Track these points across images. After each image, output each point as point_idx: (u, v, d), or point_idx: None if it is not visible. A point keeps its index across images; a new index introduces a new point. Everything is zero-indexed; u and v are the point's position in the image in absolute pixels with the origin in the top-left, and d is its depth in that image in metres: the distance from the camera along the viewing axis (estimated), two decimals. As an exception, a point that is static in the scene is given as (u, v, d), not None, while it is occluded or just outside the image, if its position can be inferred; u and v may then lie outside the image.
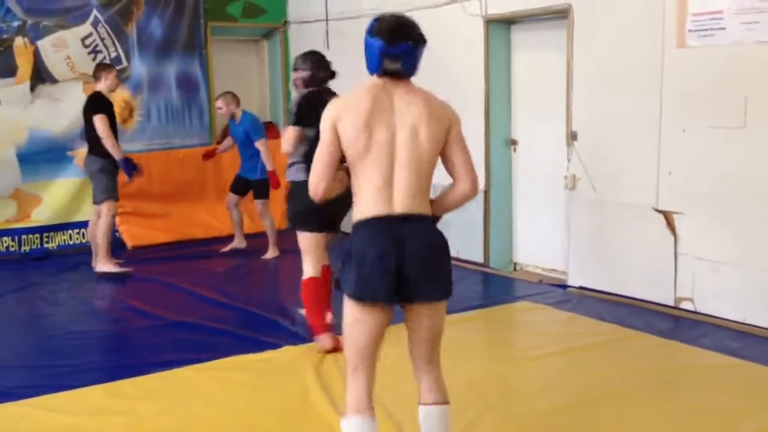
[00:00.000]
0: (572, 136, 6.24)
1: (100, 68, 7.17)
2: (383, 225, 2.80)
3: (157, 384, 4.44)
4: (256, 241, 7.99)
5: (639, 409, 3.93)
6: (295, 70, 5.07)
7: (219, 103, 7.70)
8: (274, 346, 4.96)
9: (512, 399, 4.17)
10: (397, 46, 2.92)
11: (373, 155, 2.83)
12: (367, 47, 3.00)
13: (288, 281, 6.72)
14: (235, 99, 7.70)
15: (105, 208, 7.04)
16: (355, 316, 2.85)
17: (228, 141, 7.98)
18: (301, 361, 4.68)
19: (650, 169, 5.69)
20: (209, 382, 4.45)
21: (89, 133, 7.03)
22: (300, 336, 5.18)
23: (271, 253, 7.74)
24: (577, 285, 6.34)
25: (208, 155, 8.12)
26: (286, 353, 4.88)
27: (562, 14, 6.26)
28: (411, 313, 2.91)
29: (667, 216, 5.63)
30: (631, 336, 5.10)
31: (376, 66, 2.96)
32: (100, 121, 6.86)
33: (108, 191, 7.03)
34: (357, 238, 2.83)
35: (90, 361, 4.95)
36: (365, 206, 2.84)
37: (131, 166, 7.13)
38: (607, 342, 5.00)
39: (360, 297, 2.80)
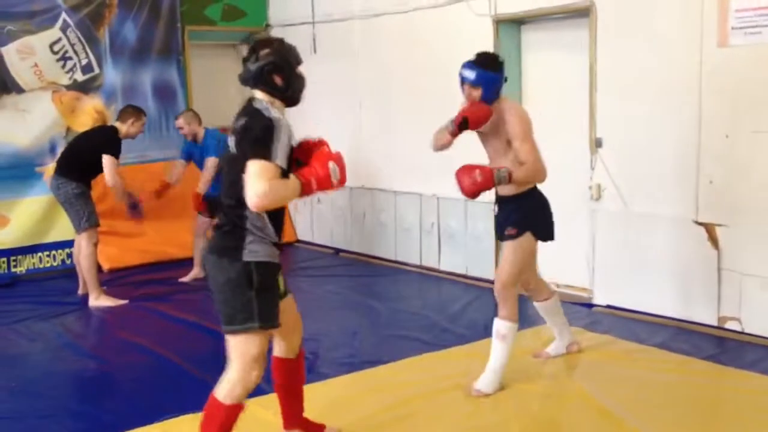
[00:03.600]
0: (597, 143, 5.79)
1: (131, 112, 6.58)
2: None
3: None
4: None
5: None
6: None
7: (180, 123, 7.04)
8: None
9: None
10: None
11: None
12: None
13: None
14: (197, 117, 7.07)
15: (86, 237, 6.41)
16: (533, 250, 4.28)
17: (178, 167, 7.27)
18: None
19: (689, 177, 5.26)
20: None
21: (71, 157, 6.42)
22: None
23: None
24: (604, 304, 5.88)
25: (162, 191, 7.26)
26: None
27: (582, 13, 5.81)
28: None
29: (709, 228, 5.20)
30: (685, 363, 4.64)
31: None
32: (111, 164, 6.26)
33: (88, 217, 6.41)
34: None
35: (73, 411, 4.33)
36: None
37: (138, 210, 6.73)
38: (668, 371, 4.53)
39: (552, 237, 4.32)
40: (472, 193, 3.99)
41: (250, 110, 3.12)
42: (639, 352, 4.85)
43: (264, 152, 2.93)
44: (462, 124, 4.12)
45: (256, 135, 2.97)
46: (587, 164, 5.88)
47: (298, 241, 8.96)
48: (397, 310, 6.10)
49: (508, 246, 4.24)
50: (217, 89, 8.78)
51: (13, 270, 7.53)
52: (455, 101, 6.77)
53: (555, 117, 6.36)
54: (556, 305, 4.72)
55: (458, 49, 6.67)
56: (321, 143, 3.27)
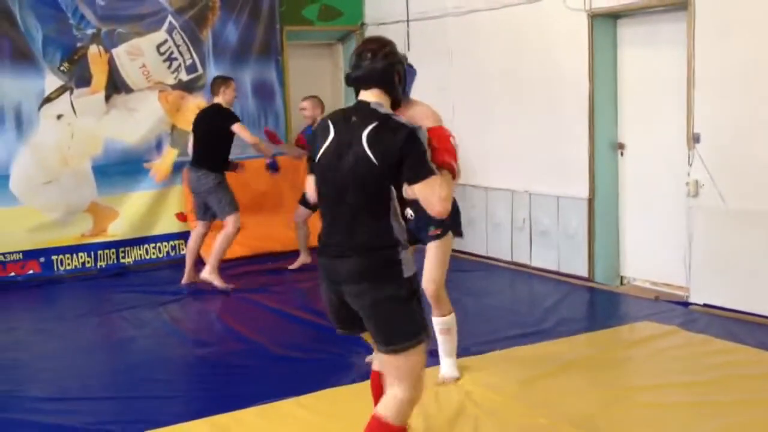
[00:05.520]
0: (694, 139, 5.68)
1: (219, 81, 6.95)
2: None
3: (257, 419, 4.02)
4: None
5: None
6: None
7: (305, 104, 7.37)
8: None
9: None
10: None
11: None
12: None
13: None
14: (321, 104, 7.36)
15: (232, 221, 6.79)
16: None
17: (296, 150, 7.56)
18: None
19: (791, 173, 5.11)
20: (314, 415, 4.02)
21: (204, 148, 6.79)
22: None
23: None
24: (701, 302, 5.76)
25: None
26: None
27: (680, 6, 5.71)
28: None
29: (812, 226, 5.05)
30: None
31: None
32: (242, 129, 6.74)
33: (233, 203, 6.81)
34: None
35: (185, 392, 4.59)
36: None
37: (276, 166, 7.60)
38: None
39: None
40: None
41: (378, 115, 2.91)
42: (735, 352, 4.75)
43: (430, 168, 2.85)
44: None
45: (414, 154, 2.83)
46: (685, 160, 5.78)
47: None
48: (487, 305, 6.14)
49: (433, 247, 4.25)
50: (315, 88, 8.97)
51: (121, 261, 7.92)
52: (551, 97, 6.81)
53: (651, 113, 6.29)
54: None
55: (553, 45, 6.72)
56: (433, 131, 3.06)
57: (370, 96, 3.00)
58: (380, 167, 2.85)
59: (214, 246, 6.86)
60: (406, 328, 2.90)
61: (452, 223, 4.26)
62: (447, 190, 2.87)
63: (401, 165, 2.84)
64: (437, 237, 4.23)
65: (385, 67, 2.99)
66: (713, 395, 4.11)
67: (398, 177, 2.87)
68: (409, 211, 4.12)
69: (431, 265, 4.26)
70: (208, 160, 6.75)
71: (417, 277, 3.00)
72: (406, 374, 2.92)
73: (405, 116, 3.27)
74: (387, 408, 2.94)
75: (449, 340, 4.40)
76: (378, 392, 3.28)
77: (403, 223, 3.00)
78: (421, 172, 2.83)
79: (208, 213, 6.94)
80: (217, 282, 6.79)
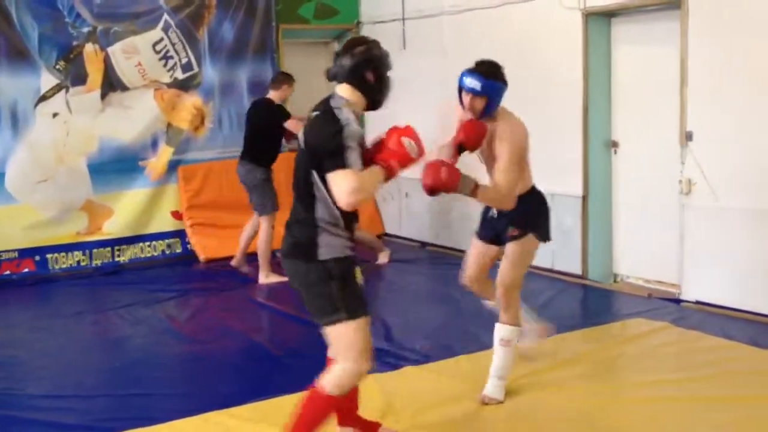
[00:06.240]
0: (687, 137, 5.71)
1: (283, 78, 7.11)
2: None
3: (254, 414, 4.05)
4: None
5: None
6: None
7: None
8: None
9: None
10: None
11: None
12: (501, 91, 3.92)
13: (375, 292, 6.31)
14: None
15: (267, 219, 6.87)
16: (534, 252, 4.09)
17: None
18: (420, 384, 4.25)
19: (783, 172, 5.15)
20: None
21: (256, 141, 6.91)
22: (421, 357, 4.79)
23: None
24: (693, 299, 5.80)
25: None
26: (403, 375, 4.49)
27: (674, 5, 5.75)
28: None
29: (804, 224, 5.09)
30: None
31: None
32: (293, 123, 6.80)
33: (273, 202, 6.88)
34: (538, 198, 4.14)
35: (180, 389, 4.60)
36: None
37: None
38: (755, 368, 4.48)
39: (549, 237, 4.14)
40: (429, 188, 3.56)
41: (324, 107, 3.13)
42: (727, 349, 4.79)
43: (341, 162, 2.96)
44: (460, 148, 3.89)
45: (329, 147, 2.99)
46: (677, 158, 5.82)
47: (386, 234, 9.11)
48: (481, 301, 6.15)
49: (510, 247, 4.03)
50: (310, 86, 8.98)
51: (117, 259, 7.94)
52: (546, 95, 6.83)
53: (645, 111, 6.32)
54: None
55: (547, 43, 6.75)
56: (391, 130, 3.21)
57: (340, 90, 3.22)
58: (307, 154, 3.11)
59: (258, 251, 6.92)
60: (322, 308, 3.14)
61: (532, 225, 4.03)
62: (355, 184, 2.94)
63: (322, 154, 3.03)
64: (515, 238, 4.00)
65: (353, 64, 3.17)
66: (706, 391, 4.14)
67: (320, 165, 3.04)
68: (493, 211, 4.12)
69: (503, 266, 4.05)
70: (257, 155, 6.88)
71: (344, 261, 3.11)
72: (341, 348, 3.15)
73: (492, 127, 3.85)
74: (325, 378, 3.19)
75: (503, 355, 4.08)
76: None
77: (335, 210, 3.10)
78: (331, 164, 2.99)
79: None
80: (278, 279, 6.78)
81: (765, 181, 5.26)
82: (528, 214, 4.03)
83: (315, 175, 3.09)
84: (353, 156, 2.99)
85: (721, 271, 5.61)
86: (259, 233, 6.98)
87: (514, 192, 3.81)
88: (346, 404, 3.50)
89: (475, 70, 3.92)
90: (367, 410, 3.75)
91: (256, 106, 7.13)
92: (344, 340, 3.13)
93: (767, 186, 5.25)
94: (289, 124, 6.84)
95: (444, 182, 3.53)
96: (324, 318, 3.15)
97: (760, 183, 5.30)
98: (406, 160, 3.14)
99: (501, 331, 4.10)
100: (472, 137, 3.84)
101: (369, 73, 3.19)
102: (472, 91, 3.87)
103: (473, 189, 3.61)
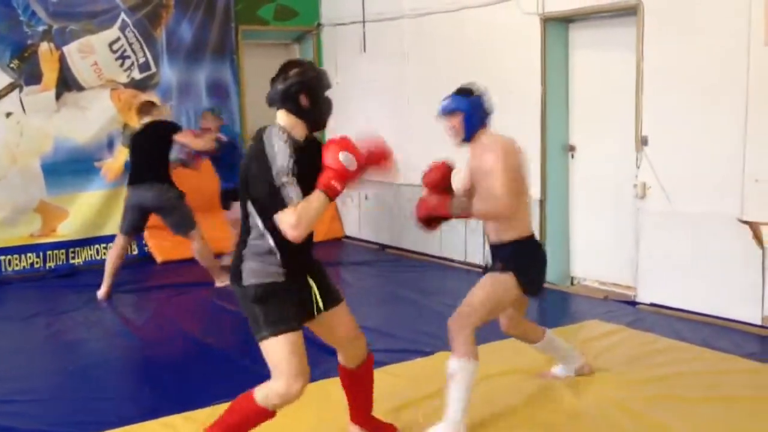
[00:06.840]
0: (642, 141, 5.81)
1: (149, 105, 6.88)
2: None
3: (212, 417, 3.99)
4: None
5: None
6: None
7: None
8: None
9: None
10: None
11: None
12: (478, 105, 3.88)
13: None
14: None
15: (196, 236, 6.79)
16: (510, 294, 3.78)
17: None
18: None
19: (734, 176, 5.25)
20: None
21: (157, 162, 6.66)
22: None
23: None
24: (648, 302, 5.89)
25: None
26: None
27: (629, 11, 5.84)
28: None
29: (754, 227, 5.19)
30: (726, 360, 4.65)
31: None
32: (184, 136, 6.74)
33: (192, 220, 6.80)
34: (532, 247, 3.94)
35: (135, 393, 4.56)
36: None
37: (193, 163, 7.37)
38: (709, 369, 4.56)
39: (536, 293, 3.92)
40: (423, 217, 3.64)
41: (257, 137, 3.05)
42: (680, 350, 4.87)
43: (280, 202, 2.93)
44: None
45: (263, 192, 2.97)
46: (633, 163, 5.91)
47: (346, 236, 9.11)
48: (441, 303, 6.18)
49: (485, 277, 3.84)
50: (267, 88, 8.94)
51: (71, 261, 7.82)
52: (504, 99, 6.83)
53: (601, 115, 6.41)
54: (551, 340, 4.31)
55: (506, 48, 6.81)
56: (327, 144, 3.10)
57: (278, 116, 3.15)
58: (242, 185, 3.10)
59: (203, 264, 6.89)
60: (252, 326, 3.18)
61: (519, 268, 3.76)
62: (294, 219, 2.91)
63: (258, 196, 3.04)
64: (495, 270, 3.80)
65: (284, 88, 3.09)
66: (658, 391, 4.19)
67: (256, 200, 3.06)
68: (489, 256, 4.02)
69: (471, 291, 3.79)
70: (164, 173, 6.74)
71: (269, 286, 3.12)
72: (271, 365, 3.16)
73: (478, 147, 3.83)
74: (259, 385, 3.20)
75: (449, 393, 3.67)
76: (344, 383, 3.59)
77: (269, 241, 3.08)
78: (272, 209, 2.97)
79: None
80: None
81: (718, 185, 5.37)
82: (518, 256, 3.81)
83: (251, 206, 3.09)
84: (287, 191, 2.93)
85: (675, 274, 5.71)
86: (193, 252, 6.86)
87: (511, 198, 3.61)
88: (359, 402, 3.60)
89: (450, 94, 3.91)
90: (317, 417, 3.73)
91: (151, 127, 6.76)
92: (270, 357, 3.15)
93: (720, 190, 5.35)
94: (180, 137, 6.71)
95: (435, 206, 3.66)
96: (255, 335, 3.19)
97: (713, 187, 5.40)
98: (345, 176, 3.02)
99: (448, 365, 3.73)
100: (433, 176, 3.91)
101: (303, 96, 3.08)
102: (444, 110, 3.86)
103: (466, 206, 3.70)
